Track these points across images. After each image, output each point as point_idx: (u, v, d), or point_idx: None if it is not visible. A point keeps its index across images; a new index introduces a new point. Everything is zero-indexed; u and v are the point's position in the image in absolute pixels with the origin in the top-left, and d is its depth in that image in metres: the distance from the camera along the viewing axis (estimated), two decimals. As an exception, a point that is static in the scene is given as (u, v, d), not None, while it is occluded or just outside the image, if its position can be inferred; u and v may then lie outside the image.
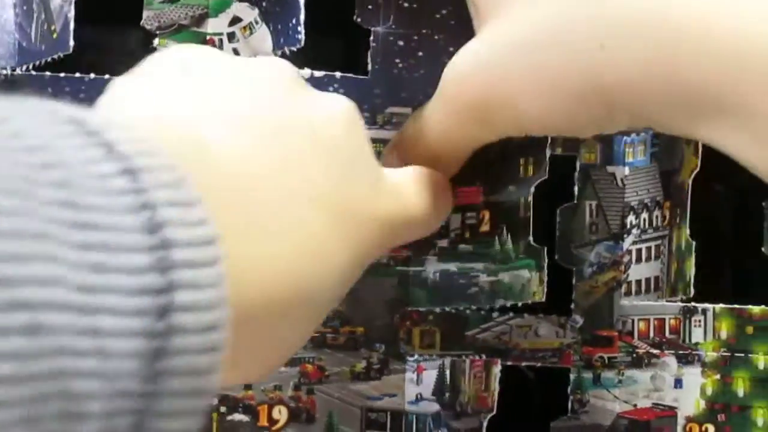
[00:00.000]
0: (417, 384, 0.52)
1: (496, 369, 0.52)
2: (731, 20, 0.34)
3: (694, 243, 0.53)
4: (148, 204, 0.25)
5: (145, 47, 0.52)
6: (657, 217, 0.53)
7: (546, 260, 0.52)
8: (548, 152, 0.51)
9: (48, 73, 0.51)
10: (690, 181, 0.52)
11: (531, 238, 0.52)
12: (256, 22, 0.52)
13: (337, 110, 0.39)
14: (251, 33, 0.52)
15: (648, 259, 0.53)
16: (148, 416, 0.24)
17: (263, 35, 0.52)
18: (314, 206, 0.34)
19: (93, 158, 0.25)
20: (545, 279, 0.52)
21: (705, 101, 0.35)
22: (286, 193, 0.33)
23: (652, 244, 0.53)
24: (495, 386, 0.52)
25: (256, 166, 0.32)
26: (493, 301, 0.52)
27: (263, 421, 0.51)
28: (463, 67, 0.42)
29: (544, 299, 0.52)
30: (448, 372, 0.52)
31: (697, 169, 0.52)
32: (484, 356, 0.52)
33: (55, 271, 0.22)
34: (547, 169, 0.51)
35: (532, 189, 0.52)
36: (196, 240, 0.25)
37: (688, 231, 0.53)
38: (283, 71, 0.39)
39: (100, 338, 0.23)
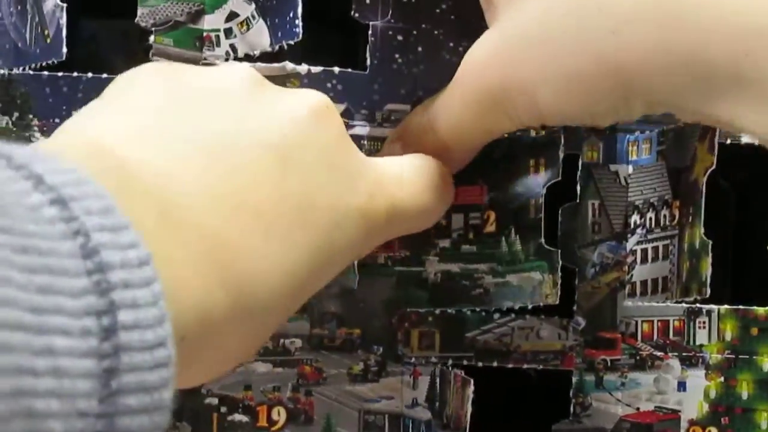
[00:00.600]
0: (413, 388, 0.51)
1: (469, 390, 0.51)
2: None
3: (710, 242, 0.51)
4: (80, 231, 0.25)
5: (141, 45, 0.51)
6: (665, 216, 0.51)
7: (560, 262, 0.51)
8: (561, 153, 0.50)
9: (46, 73, 0.50)
10: (704, 179, 0.51)
11: (543, 240, 0.51)
12: (253, 17, 0.51)
13: (300, 108, 0.38)
14: (248, 28, 0.51)
15: (655, 259, 0.52)
16: None
17: (260, 30, 0.51)
18: (258, 214, 0.34)
19: (23, 190, 0.26)
20: (559, 281, 0.51)
21: (723, 77, 0.35)
22: (220, 206, 0.33)
23: (660, 244, 0.52)
24: (467, 407, 0.51)
25: (181, 183, 0.32)
26: (499, 302, 0.51)
27: (262, 422, 0.51)
28: (482, 56, 0.42)
29: (557, 302, 0.51)
30: (438, 381, 0.51)
31: (713, 166, 0.51)
32: (462, 372, 0.51)
33: (6, 292, 0.23)
34: (560, 171, 0.51)
35: (544, 190, 0.51)
36: (131, 262, 0.26)
37: (702, 230, 0.52)
38: (241, 79, 0.39)
39: (54, 358, 0.23)
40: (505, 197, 0.51)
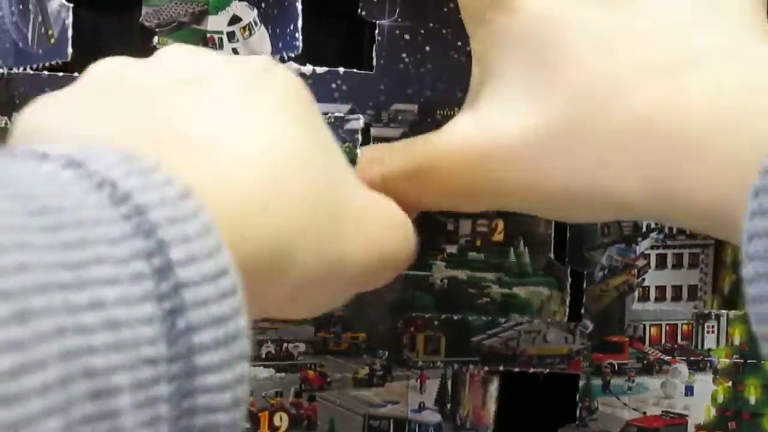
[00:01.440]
0: (420, 392, 0.51)
1: (493, 387, 0.51)
2: (727, 138, 0.32)
3: None
4: (104, 181, 0.25)
5: (145, 45, 0.51)
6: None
7: (570, 280, 0.51)
8: None
9: (46, 73, 0.50)
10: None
11: (552, 255, 0.50)
12: (255, 23, 0.50)
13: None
14: (250, 34, 0.50)
15: (677, 266, 0.51)
16: (186, 377, 0.24)
17: (262, 37, 0.50)
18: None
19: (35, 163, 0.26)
20: (567, 299, 0.51)
21: (703, 215, 0.34)
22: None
23: (685, 251, 0.51)
24: (491, 405, 0.51)
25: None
26: (506, 314, 0.50)
27: (264, 428, 0.51)
28: (461, 148, 0.40)
29: (565, 320, 0.51)
30: (449, 382, 0.51)
31: None
32: (486, 368, 0.51)
33: (22, 258, 0.22)
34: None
35: None
36: (170, 197, 0.25)
37: None
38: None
39: (104, 310, 0.23)
40: None
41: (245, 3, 0.50)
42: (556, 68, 0.37)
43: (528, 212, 0.42)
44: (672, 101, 0.34)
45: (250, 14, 0.50)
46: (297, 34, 0.50)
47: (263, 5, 0.50)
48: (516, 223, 0.50)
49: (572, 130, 0.36)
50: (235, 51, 0.50)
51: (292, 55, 0.50)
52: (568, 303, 0.51)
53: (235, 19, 0.50)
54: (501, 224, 0.50)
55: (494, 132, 0.38)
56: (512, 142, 0.38)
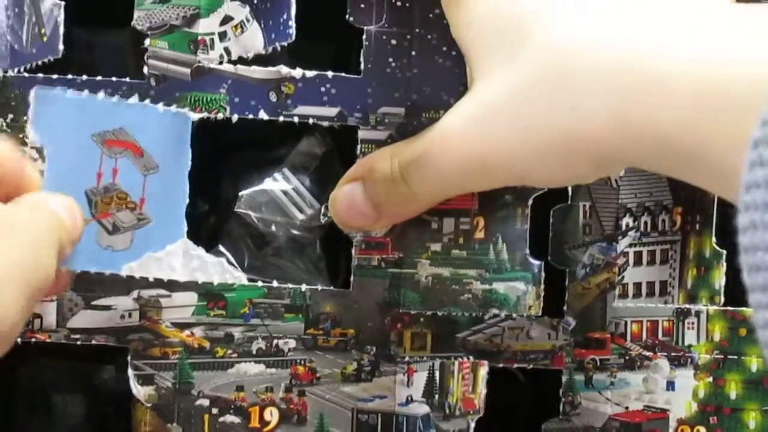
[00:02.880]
0: (407, 386, 0.51)
1: (483, 371, 0.52)
2: (687, 69, 0.34)
3: (725, 252, 0.52)
4: None
5: (136, 48, 0.52)
6: (664, 221, 0.52)
7: (543, 275, 0.52)
8: None
9: (41, 75, 0.51)
10: None
11: (527, 251, 0.51)
12: (248, 20, 0.51)
13: None
14: (242, 31, 0.51)
15: (651, 263, 0.52)
16: None
17: (254, 32, 0.51)
18: None
19: None
20: (542, 294, 0.52)
21: (674, 150, 0.35)
22: None
23: (657, 248, 0.52)
24: (482, 388, 0.52)
25: None
26: (486, 309, 0.51)
27: (255, 423, 0.51)
28: (459, 126, 0.43)
29: (540, 313, 0.52)
30: (437, 374, 0.52)
31: None
32: (472, 358, 0.52)
33: None
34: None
35: (530, 201, 0.51)
36: None
37: (713, 239, 0.52)
38: None
39: None
40: (493, 204, 0.51)
41: (237, 2, 0.51)
42: (526, 37, 0.40)
43: (526, 181, 0.44)
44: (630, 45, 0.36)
45: (242, 12, 0.51)
46: (290, 22, 0.51)
47: (255, 1, 0.51)
48: (495, 219, 0.51)
49: (547, 84, 0.39)
50: (226, 50, 0.51)
51: (285, 44, 0.51)
52: (542, 297, 0.52)
53: (227, 19, 0.51)
54: (482, 221, 0.51)
55: (485, 99, 0.41)
56: (499, 103, 0.41)
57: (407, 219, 0.49)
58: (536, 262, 0.51)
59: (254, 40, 0.51)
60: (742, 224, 0.28)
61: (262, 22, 0.51)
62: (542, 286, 0.51)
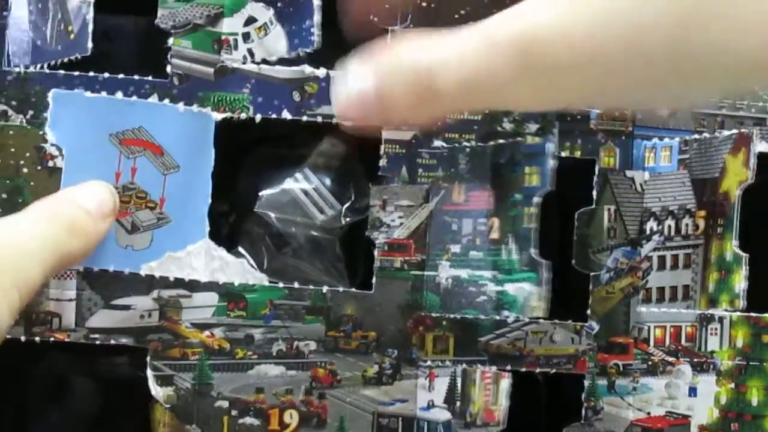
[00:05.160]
0: (429, 390, 0.51)
1: (505, 383, 0.51)
2: None
3: (746, 256, 0.51)
4: None
5: (160, 46, 0.51)
6: (687, 225, 0.52)
7: (545, 274, 0.51)
8: (552, 163, 0.51)
9: (61, 72, 0.50)
10: (738, 193, 0.51)
11: (533, 251, 0.51)
12: (271, 23, 0.51)
13: None
14: (266, 33, 0.51)
15: (674, 267, 0.52)
16: None
17: (278, 36, 0.51)
18: None
19: None
20: (547, 295, 0.51)
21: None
22: None
23: (680, 252, 0.52)
24: (503, 401, 0.51)
25: None
26: (498, 311, 0.51)
27: (274, 425, 0.51)
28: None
29: (543, 315, 0.51)
30: (459, 380, 0.51)
31: (748, 180, 0.51)
32: (494, 367, 0.51)
33: None
34: (554, 181, 0.51)
35: (536, 200, 0.51)
36: None
37: (735, 242, 0.52)
38: None
39: None
40: (506, 204, 0.51)
41: (261, 4, 0.51)
42: None
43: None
44: None
45: (266, 14, 0.51)
46: (313, 29, 0.51)
47: (279, 4, 0.51)
48: (507, 219, 0.51)
49: None
50: (250, 51, 0.51)
51: (308, 51, 0.51)
52: (547, 299, 0.51)
53: (250, 20, 0.51)
54: (496, 222, 0.51)
55: None
56: None
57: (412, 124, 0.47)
58: (543, 261, 0.51)
59: (277, 43, 0.51)
60: None
61: (286, 27, 0.51)
62: (547, 287, 0.51)
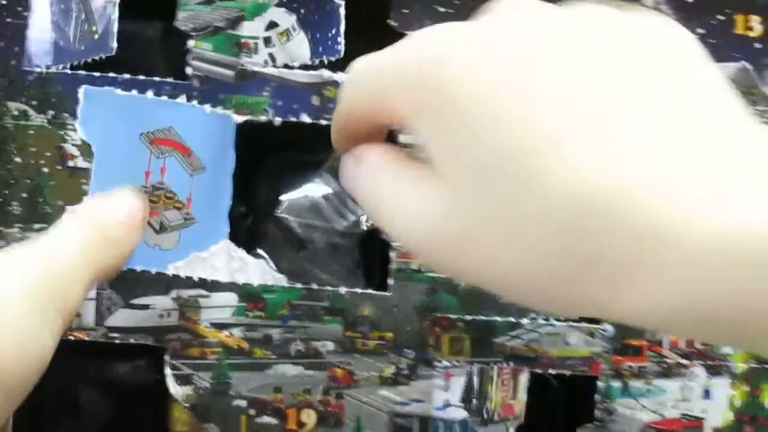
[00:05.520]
0: (445, 390, 0.52)
1: (524, 378, 0.52)
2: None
3: None
4: None
5: (179, 48, 0.52)
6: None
7: None
8: None
9: (83, 72, 0.51)
10: None
11: None
12: (294, 29, 0.52)
13: None
14: (288, 39, 0.52)
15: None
16: None
17: (301, 42, 0.52)
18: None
19: None
20: None
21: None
22: None
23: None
24: (522, 395, 0.52)
25: None
26: (524, 313, 0.52)
27: (291, 425, 0.51)
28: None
29: (602, 323, 0.52)
30: (476, 379, 0.52)
31: None
32: (512, 364, 0.52)
33: None
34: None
35: None
36: None
37: None
38: None
39: None
40: None
41: (284, 9, 0.51)
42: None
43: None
44: None
45: (288, 20, 0.51)
46: (339, 38, 0.51)
47: (303, 11, 0.51)
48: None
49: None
50: (271, 56, 0.51)
51: (333, 59, 0.52)
52: None
53: (272, 25, 0.52)
54: None
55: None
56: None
57: None
58: None
59: (300, 49, 0.52)
60: None
61: (309, 34, 0.52)
62: None
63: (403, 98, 0.34)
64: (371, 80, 0.36)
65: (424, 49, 0.33)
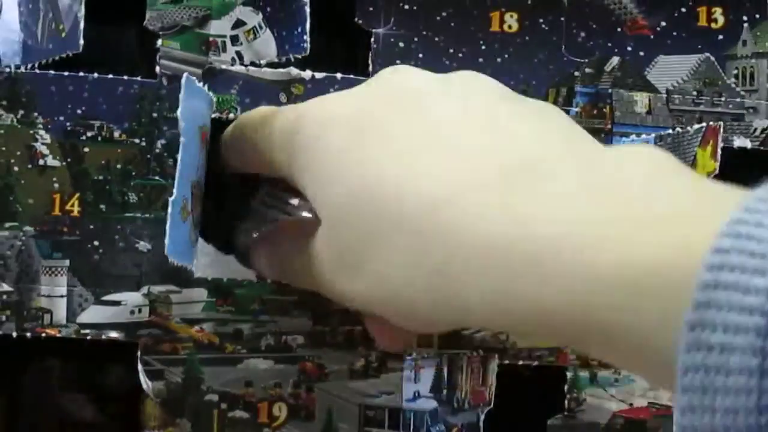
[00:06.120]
0: (415, 382, 0.52)
1: (494, 363, 0.52)
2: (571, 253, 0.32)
3: None
4: None
5: (148, 47, 0.52)
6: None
7: None
8: None
9: (52, 72, 0.51)
10: None
11: None
12: (260, 27, 0.52)
13: None
14: (255, 37, 0.52)
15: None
16: None
17: (267, 40, 0.52)
18: None
19: None
20: None
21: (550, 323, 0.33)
22: None
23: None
24: (492, 380, 0.52)
25: None
26: None
27: (263, 418, 0.52)
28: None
29: None
30: (445, 369, 0.52)
31: (715, 171, 0.52)
32: (481, 352, 0.52)
33: None
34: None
35: None
36: None
37: None
38: None
39: None
40: None
41: (249, 7, 0.52)
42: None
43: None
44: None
45: (254, 18, 0.52)
46: (305, 36, 0.52)
47: (269, 9, 0.52)
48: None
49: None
50: (238, 54, 0.52)
51: (299, 57, 0.52)
52: None
53: (238, 23, 0.52)
54: None
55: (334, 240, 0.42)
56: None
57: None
58: None
59: (267, 47, 0.52)
60: (681, 405, 0.27)
61: (275, 31, 0.52)
62: None
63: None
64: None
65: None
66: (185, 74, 0.47)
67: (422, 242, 0.35)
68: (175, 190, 0.43)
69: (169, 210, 0.42)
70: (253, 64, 0.52)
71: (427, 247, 0.35)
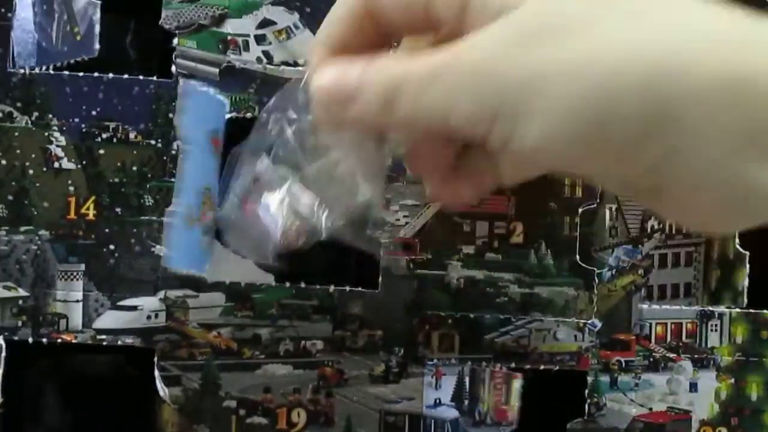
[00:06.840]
0: (436, 388, 0.52)
1: (517, 383, 0.52)
2: None
3: (748, 254, 0.53)
4: None
5: (164, 46, 0.51)
6: (688, 223, 0.53)
7: (597, 281, 0.52)
8: None
9: (67, 73, 0.50)
10: None
11: (578, 257, 0.52)
12: (296, 27, 0.51)
13: None
14: (288, 37, 0.51)
15: (675, 264, 0.53)
16: None
17: (305, 40, 0.51)
18: None
19: None
20: (595, 298, 0.52)
21: None
22: None
23: (682, 250, 0.53)
24: (515, 401, 0.52)
25: None
26: (526, 312, 0.52)
27: (282, 424, 0.51)
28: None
29: (593, 318, 0.52)
30: (467, 379, 0.52)
31: None
32: (504, 368, 0.52)
33: None
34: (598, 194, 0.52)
35: (580, 210, 0.52)
36: None
37: (737, 241, 0.53)
38: None
39: None
40: (534, 210, 0.52)
41: (282, 7, 0.51)
42: None
43: None
44: None
45: (288, 18, 0.51)
46: None
47: (308, 9, 0.51)
48: (537, 226, 0.52)
49: None
50: (266, 53, 0.51)
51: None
52: (595, 302, 0.52)
53: (266, 22, 0.51)
54: (520, 227, 0.52)
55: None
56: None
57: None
58: (589, 268, 0.52)
59: (304, 47, 0.51)
60: None
61: (316, 32, 0.51)
62: (595, 291, 0.52)
63: None
64: None
65: None
66: (182, 81, 0.46)
67: None
68: (174, 199, 0.42)
69: (166, 220, 0.41)
70: (285, 63, 0.51)
71: None
